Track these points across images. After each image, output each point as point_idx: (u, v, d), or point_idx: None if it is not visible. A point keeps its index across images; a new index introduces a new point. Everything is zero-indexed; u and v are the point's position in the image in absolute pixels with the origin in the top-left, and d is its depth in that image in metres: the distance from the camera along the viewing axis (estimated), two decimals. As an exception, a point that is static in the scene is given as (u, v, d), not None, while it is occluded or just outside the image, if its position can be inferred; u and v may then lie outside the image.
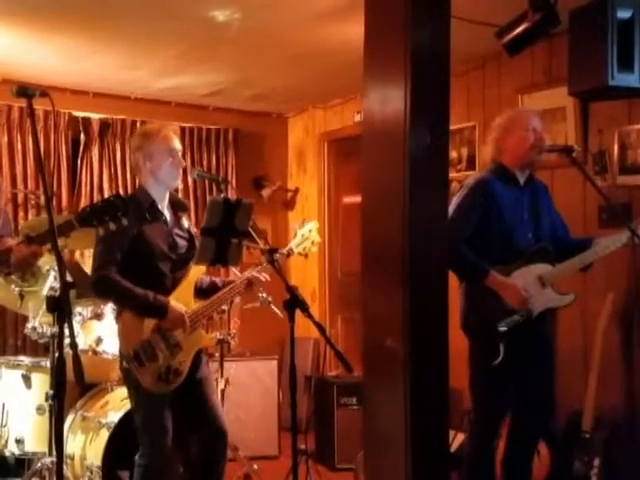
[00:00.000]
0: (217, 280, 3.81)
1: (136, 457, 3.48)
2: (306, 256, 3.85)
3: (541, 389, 3.70)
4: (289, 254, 3.74)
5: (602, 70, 3.60)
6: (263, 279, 3.62)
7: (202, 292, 3.68)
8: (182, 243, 3.62)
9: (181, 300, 3.51)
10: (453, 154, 5.23)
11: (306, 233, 3.80)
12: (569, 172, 4.12)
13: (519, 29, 3.84)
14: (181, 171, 3.64)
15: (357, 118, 6.20)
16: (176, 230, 3.62)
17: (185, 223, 3.70)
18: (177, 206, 3.70)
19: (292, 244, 3.78)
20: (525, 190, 3.73)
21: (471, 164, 5.16)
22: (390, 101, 2.76)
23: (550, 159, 4.19)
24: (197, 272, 3.63)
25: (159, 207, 3.57)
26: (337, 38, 4.73)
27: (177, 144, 3.60)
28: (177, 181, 3.67)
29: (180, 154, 3.61)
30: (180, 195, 6.23)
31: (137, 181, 6.19)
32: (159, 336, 3.45)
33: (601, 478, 3.98)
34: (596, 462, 3.99)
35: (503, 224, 3.62)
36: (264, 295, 4.26)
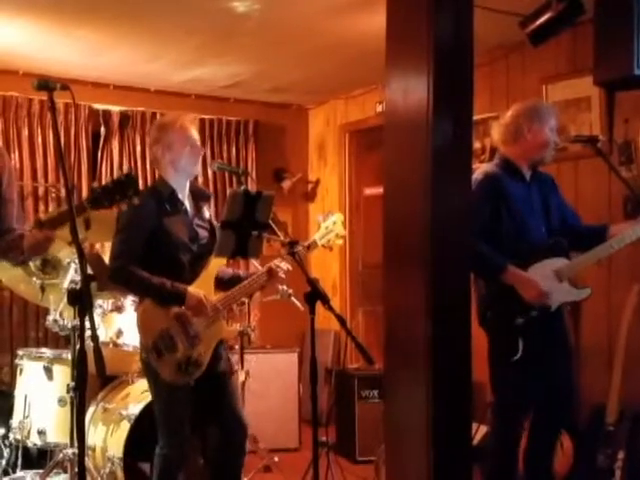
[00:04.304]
0: (240, 273, 3.79)
1: (156, 448, 3.49)
2: (330, 249, 3.81)
3: (561, 383, 3.67)
4: (312, 247, 3.69)
5: (627, 59, 3.55)
6: (285, 268, 3.58)
7: (224, 284, 3.65)
8: (203, 234, 3.61)
9: (201, 291, 3.49)
10: (476, 145, 5.19)
11: (330, 225, 3.75)
12: (594, 162, 4.07)
13: (543, 18, 3.81)
14: (200, 159, 3.65)
15: (379, 109, 6.17)
16: (197, 220, 3.61)
17: (206, 213, 3.69)
18: (198, 196, 3.69)
19: (316, 236, 3.73)
20: (532, 184, 3.69)
21: (494, 155, 5.10)
22: (413, 91, 2.72)
23: (575, 149, 4.15)
24: (217, 263, 3.61)
25: (179, 197, 3.56)
26: (358, 28, 4.70)
27: (194, 132, 3.60)
28: (197, 168, 3.67)
29: (198, 142, 3.61)
30: (200, 187, 6.23)
31: (156, 173, 6.29)
32: (179, 326, 3.44)
33: (625, 471, 3.94)
34: (620, 455, 3.95)
35: (515, 219, 3.58)
36: (284, 288, 4.24)
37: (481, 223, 3.49)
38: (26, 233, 2.67)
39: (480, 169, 3.77)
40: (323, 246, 3.74)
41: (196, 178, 3.76)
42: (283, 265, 3.58)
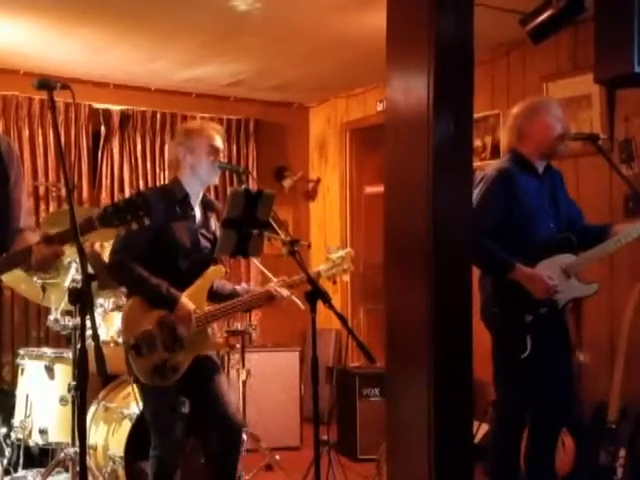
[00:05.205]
0: (239, 289, 3.78)
1: (150, 450, 3.48)
2: (334, 282, 3.79)
3: (563, 380, 3.67)
4: (317, 278, 3.63)
5: (628, 57, 3.53)
6: (285, 295, 3.58)
7: (222, 298, 3.63)
8: (205, 244, 3.61)
9: (192, 300, 3.47)
10: (477, 142, 5.19)
11: (337, 260, 3.71)
12: (594, 160, 4.07)
13: (544, 16, 3.80)
14: (220, 171, 3.63)
15: (379, 107, 6.18)
16: (202, 230, 3.61)
17: (213, 224, 3.68)
18: (207, 206, 3.69)
19: (321, 268, 3.71)
20: (544, 179, 3.69)
21: (495, 153, 5.12)
22: (414, 89, 2.72)
23: (575, 147, 4.14)
24: (214, 275, 3.59)
25: (191, 202, 3.56)
26: (359, 27, 4.70)
27: (219, 143, 3.60)
28: (215, 178, 3.66)
29: (222, 154, 3.61)
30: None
31: (157, 174, 6.29)
32: (163, 329, 3.43)
33: (627, 469, 3.94)
34: (622, 453, 3.96)
35: (526, 215, 3.57)
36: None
37: (492, 220, 3.50)
38: (33, 247, 2.65)
39: (492, 166, 3.77)
40: (328, 278, 3.72)
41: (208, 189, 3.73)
42: (283, 292, 3.58)
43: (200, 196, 3.62)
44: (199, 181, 3.58)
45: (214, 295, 3.63)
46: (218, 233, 3.64)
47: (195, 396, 3.52)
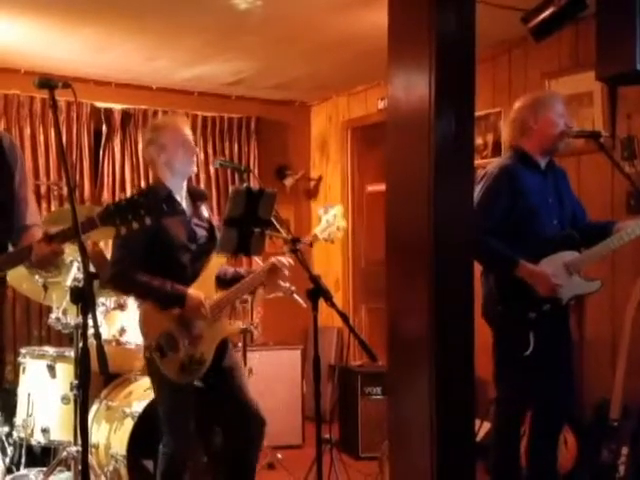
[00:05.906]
0: (242, 271, 3.79)
1: (160, 446, 3.49)
2: (332, 242, 3.79)
3: (563, 376, 3.67)
4: (314, 240, 3.68)
5: (630, 54, 3.54)
6: (287, 263, 3.57)
7: (226, 283, 3.65)
8: (201, 233, 3.61)
9: (202, 291, 3.49)
10: (479, 140, 5.18)
11: (331, 219, 3.71)
12: (596, 158, 4.07)
13: (545, 13, 3.80)
14: (195, 157, 3.64)
15: (381, 105, 6.17)
16: (195, 220, 3.61)
17: (205, 212, 3.68)
18: (195, 195, 3.69)
19: (316, 230, 3.70)
20: (547, 175, 3.69)
21: (497, 150, 5.11)
22: (415, 87, 2.72)
23: (577, 145, 4.14)
24: (218, 263, 3.61)
25: (176, 198, 3.56)
26: (360, 25, 4.70)
27: (187, 131, 3.61)
28: (192, 167, 3.66)
29: (192, 142, 3.61)
30: (202, 185, 6.24)
31: (152, 175, 6.28)
32: (181, 326, 3.44)
33: (629, 467, 3.94)
34: (624, 451, 3.96)
35: (529, 211, 3.57)
36: (287, 285, 4.24)
37: (495, 218, 3.50)
38: (34, 245, 2.66)
39: (494, 163, 3.77)
40: (325, 240, 3.71)
41: (190, 179, 3.74)
42: (285, 260, 3.57)
43: (184, 188, 3.62)
44: (178, 175, 3.58)
45: (218, 281, 3.64)
46: (213, 219, 3.67)
47: (213, 392, 3.54)
